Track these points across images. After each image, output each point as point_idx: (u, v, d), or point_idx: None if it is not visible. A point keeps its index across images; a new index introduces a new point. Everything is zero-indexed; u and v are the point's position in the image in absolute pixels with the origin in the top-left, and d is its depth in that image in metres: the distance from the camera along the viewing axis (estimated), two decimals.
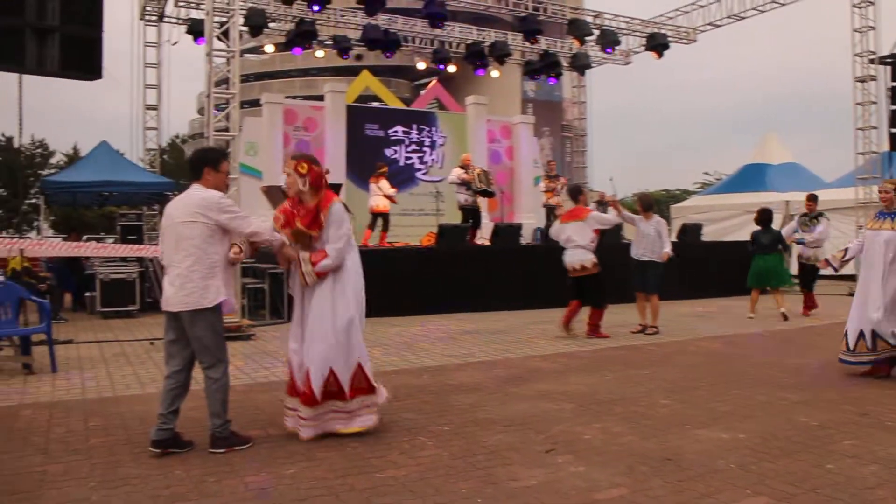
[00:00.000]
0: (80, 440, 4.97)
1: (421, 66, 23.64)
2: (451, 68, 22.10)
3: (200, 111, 51.33)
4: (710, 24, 20.75)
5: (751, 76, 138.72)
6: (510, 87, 35.24)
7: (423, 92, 28.31)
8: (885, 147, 15.89)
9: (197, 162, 4.88)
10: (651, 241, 10.01)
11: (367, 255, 12.74)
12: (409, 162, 19.26)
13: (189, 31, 17.91)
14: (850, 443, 4.77)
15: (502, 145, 20.78)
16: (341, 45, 20.48)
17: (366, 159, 17.70)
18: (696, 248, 15.60)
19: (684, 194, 47.34)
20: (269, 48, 24.73)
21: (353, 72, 29.07)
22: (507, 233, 14.33)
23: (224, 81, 11.19)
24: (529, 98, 40.54)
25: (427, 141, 19.60)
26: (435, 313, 12.26)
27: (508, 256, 13.70)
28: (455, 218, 15.06)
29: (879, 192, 7.22)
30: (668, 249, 9.99)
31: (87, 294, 13.83)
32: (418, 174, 19.34)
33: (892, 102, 14.80)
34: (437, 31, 19.87)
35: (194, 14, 17.81)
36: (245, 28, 17.00)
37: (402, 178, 18.25)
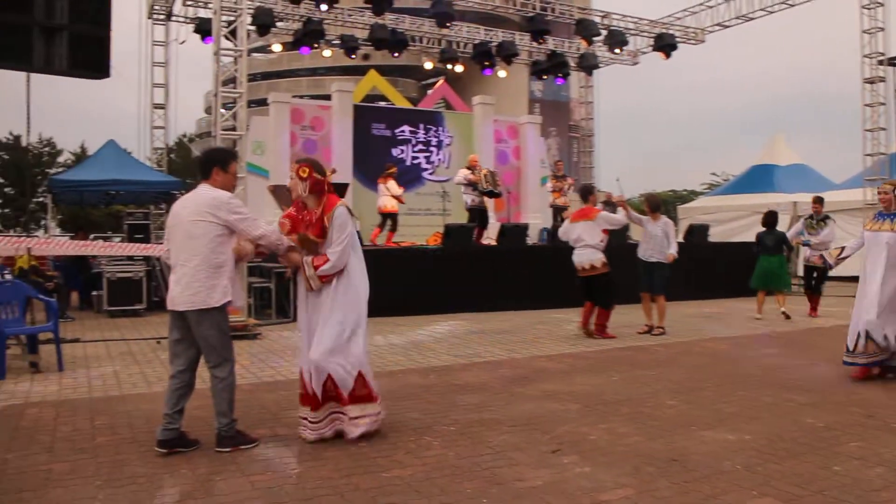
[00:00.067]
0: (86, 439, 4.99)
1: (428, 65, 23.63)
2: (459, 68, 22.08)
3: (208, 110, 51.47)
4: (718, 24, 20.70)
5: (759, 77, 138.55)
6: (517, 87, 35.24)
7: (430, 92, 28.25)
8: (894, 148, 15.86)
9: (206, 162, 4.89)
10: (658, 241, 10.00)
11: (374, 255, 12.75)
12: (415, 161, 19.24)
13: (197, 31, 17.92)
14: (856, 445, 4.75)
15: (509, 145, 20.75)
16: (349, 45, 20.51)
17: (372, 159, 17.74)
18: (703, 248, 15.56)
19: (691, 195, 47.25)
20: (277, 47, 24.72)
21: (360, 71, 29.09)
22: (513, 233, 14.31)
23: (231, 80, 11.21)
24: (536, 98, 40.53)
25: (434, 141, 19.59)
26: (441, 313, 12.26)
27: (514, 257, 13.69)
28: (462, 218, 15.05)
29: (879, 192, 7.16)
30: (672, 251, 9.98)
31: (94, 293, 13.87)
32: (425, 174, 19.33)
33: None
34: (445, 31, 19.87)
35: (202, 13, 17.84)
36: (253, 27, 17.02)
37: (409, 177, 18.24)
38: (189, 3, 17.79)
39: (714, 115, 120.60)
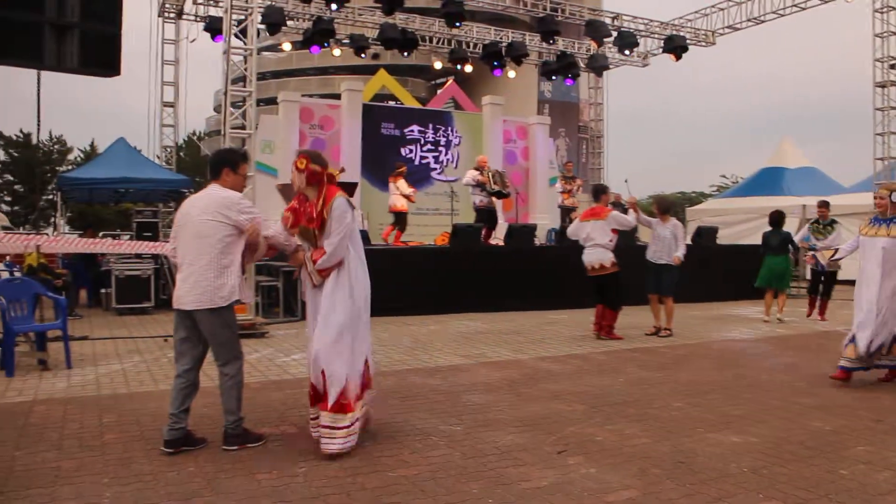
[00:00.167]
0: (94, 436, 5.01)
1: (438, 65, 23.62)
2: (468, 68, 22.07)
3: (217, 108, 51.53)
4: (729, 27, 20.59)
5: (770, 79, 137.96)
6: (526, 87, 35.12)
7: (439, 91, 28.24)
8: None
9: (217, 162, 4.92)
10: (667, 243, 9.99)
11: (381, 254, 12.79)
12: (424, 161, 19.26)
13: (207, 29, 17.96)
14: (863, 448, 4.74)
15: (518, 146, 20.75)
16: (358, 44, 20.51)
17: (381, 158, 17.78)
18: (711, 251, 15.52)
19: (700, 197, 47.13)
20: (287, 46, 24.73)
21: (369, 71, 29.08)
22: (521, 233, 14.29)
23: (241, 79, 11.24)
24: (546, 99, 40.42)
25: (443, 140, 19.60)
26: (448, 313, 12.26)
27: (522, 257, 13.67)
28: (470, 217, 15.05)
29: (875, 197, 7.05)
30: (679, 254, 9.97)
31: (103, 291, 13.94)
32: (433, 173, 19.35)
33: None
34: (455, 31, 19.84)
35: (213, 11, 17.87)
36: (263, 26, 17.05)
37: (418, 177, 18.25)
38: (200, 1, 17.86)
39: (724, 117, 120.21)
